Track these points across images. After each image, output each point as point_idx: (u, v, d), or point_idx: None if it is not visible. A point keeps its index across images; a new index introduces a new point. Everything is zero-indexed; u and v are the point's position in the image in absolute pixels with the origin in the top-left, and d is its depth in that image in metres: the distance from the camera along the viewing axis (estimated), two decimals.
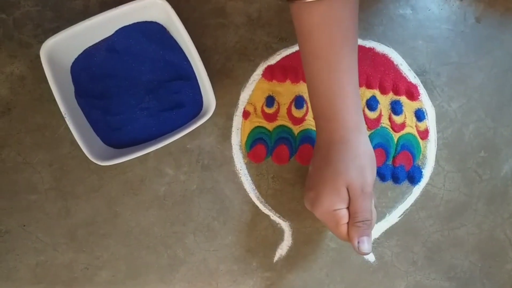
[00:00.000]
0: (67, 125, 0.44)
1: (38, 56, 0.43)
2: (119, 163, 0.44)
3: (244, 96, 0.50)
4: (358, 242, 0.39)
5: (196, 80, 0.47)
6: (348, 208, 0.40)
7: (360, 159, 0.40)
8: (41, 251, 0.48)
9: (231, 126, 0.50)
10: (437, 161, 0.51)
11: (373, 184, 0.40)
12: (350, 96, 0.40)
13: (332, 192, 0.40)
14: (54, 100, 0.44)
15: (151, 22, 0.47)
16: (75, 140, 0.44)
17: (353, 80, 0.40)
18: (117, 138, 0.47)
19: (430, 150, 0.51)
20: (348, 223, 0.40)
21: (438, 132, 0.51)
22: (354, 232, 0.39)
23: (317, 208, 0.41)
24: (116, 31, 0.46)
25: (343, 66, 0.39)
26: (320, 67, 0.39)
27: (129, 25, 0.46)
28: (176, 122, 0.47)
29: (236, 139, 0.50)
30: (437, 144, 0.51)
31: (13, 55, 0.49)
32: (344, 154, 0.40)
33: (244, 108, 0.50)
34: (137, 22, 0.46)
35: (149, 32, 0.46)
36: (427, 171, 0.51)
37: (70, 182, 0.48)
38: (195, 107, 0.47)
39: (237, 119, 0.50)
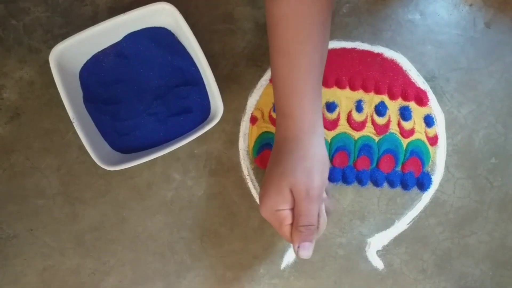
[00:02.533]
0: (75, 130, 0.44)
1: (47, 62, 0.44)
2: (127, 168, 0.44)
3: (252, 102, 0.50)
4: (299, 247, 0.38)
5: (204, 85, 0.47)
6: (293, 209, 0.38)
7: (308, 161, 0.38)
8: (48, 255, 0.48)
9: (238, 132, 0.50)
10: (446, 167, 0.50)
11: (323, 189, 0.38)
12: (307, 95, 0.38)
13: (276, 192, 0.38)
14: (63, 105, 0.44)
15: (160, 27, 0.47)
16: (83, 145, 0.44)
17: (313, 79, 0.39)
18: (125, 143, 0.47)
19: (439, 156, 0.50)
20: (292, 224, 0.38)
21: (447, 138, 0.50)
22: (296, 236, 0.38)
23: (262, 207, 0.39)
24: (125, 37, 0.46)
25: (304, 63, 0.38)
26: (281, 61, 0.38)
27: (138, 30, 0.46)
28: (183, 127, 0.47)
29: (244, 144, 0.50)
30: (447, 150, 0.50)
31: (23, 61, 0.49)
32: (293, 154, 0.38)
33: (252, 113, 0.50)
34: (146, 28, 0.46)
35: (158, 38, 0.46)
36: (437, 178, 0.50)
37: (78, 187, 0.48)
38: (203, 112, 0.47)
39: (245, 124, 0.50)
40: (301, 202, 0.38)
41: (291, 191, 0.38)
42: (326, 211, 0.40)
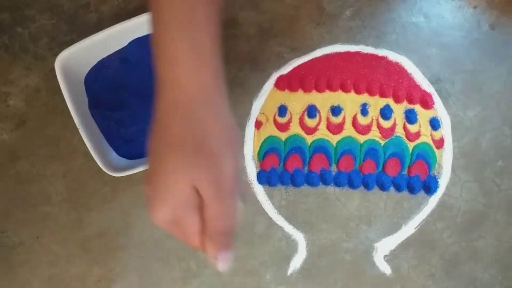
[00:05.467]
0: (80, 137, 0.44)
1: (53, 69, 0.44)
2: (132, 174, 0.44)
3: (257, 106, 0.50)
4: (217, 259, 0.28)
5: None
6: (200, 210, 0.28)
7: (211, 141, 0.27)
8: (54, 263, 0.48)
9: (243, 136, 0.50)
10: (453, 170, 0.50)
11: (237, 175, 0.28)
12: (169, 26, 0.28)
13: (172, 194, 0.27)
14: (68, 112, 0.44)
15: None
16: (88, 152, 0.44)
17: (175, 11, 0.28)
18: (130, 149, 0.47)
19: (446, 159, 0.50)
20: (202, 231, 0.28)
21: (454, 141, 0.50)
22: (211, 246, 0.28)
23: (153, 213, 0.28)
24: (130, 43, 0.47)
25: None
26: None
27: (142, 36, 0.46)
28: None
29: (249, 149, 0.50)
30: (453, 153, 0.50)
31: (29, 68, 0.49)
32: (188, 135, 0.26)
33: (257, 118, 0.50)
34: (150, 34, 0.46)
35: None
36: (443, 181, 0.50)
37: (84, 193, 0.48)
38: None
39: (250, 129, 0.50)
40: (211, 202, 0.27)
41: (195, 188, 0.27)
42: (242, 198, 0.29)
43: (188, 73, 0.27)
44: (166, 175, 0.27)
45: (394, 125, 0.50)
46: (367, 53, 0.51)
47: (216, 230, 0.28)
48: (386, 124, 0.50)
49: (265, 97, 0.50)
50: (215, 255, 0.28)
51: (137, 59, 0.47)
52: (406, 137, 0.50)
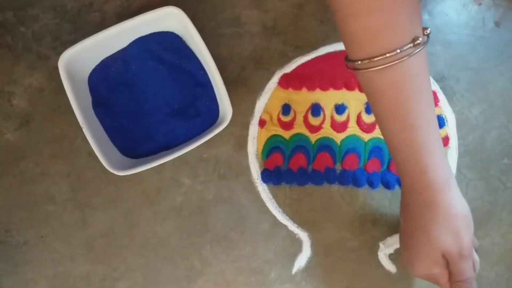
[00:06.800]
0: (84, 136, 0.44)
1: (56, 68, 0.44)
2: (136, 173, 0.44)
3: (260, 105, 0.50)
4: None
5: (213, 89, 0.47)
6: (447, 266, 0.39)
7: (453, 222, 0.37)
8: (58, 262, 0.48)
9: (247, 135, 0.50)
10: (458, 168, 0.50)
11: (472, 243, 0.39)
12: (435, 151, 0.37)
13: (427, 259, 0.39)
14: (72, 111, 0.44)
15: (167, 32, 0.47)
16: (92, 151, 0.44)
17: (435, 133, 0.37)
18: (134, 148, 0.47)
19: (451, 157, 0.50)
20: (450, 279, 0.39)
21: (459, 139, 0.50)
22: None
23: (414, 270, 0.40)
24: (133, 42, 0.46)
25: (423, 121, 0.36)
26: (398, 125, 0.36)
27: (146, 35, 0.46)
28: (192, 131, 0.46)
29: (253, 148, 0.49)
30: (459, 151, 0.50)
31: (32, 67, 0.49)
32: (437, 220, 0.37)
33: (260, 116, 0.50)
34: (154, 33, 0.46)
35: (166, 42, 0.46)
36: None
37: (88, 192, 0.48)
38: (212, 116, 0.47)
39: (253, 127, 0.50)
40: (455, 264, 0.38)
41: (443, 255, 0.38)
42: (475, 250, 0.41)
43: (443, 176, 0.38)
44: (425, 248, 0.39)
45: None
46: None
47: (460, 279, 0.38)
48: None
49: (268, 96, 0.50)
50: None
51: (141, 58, 0.46)
52: None
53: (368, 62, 0.34)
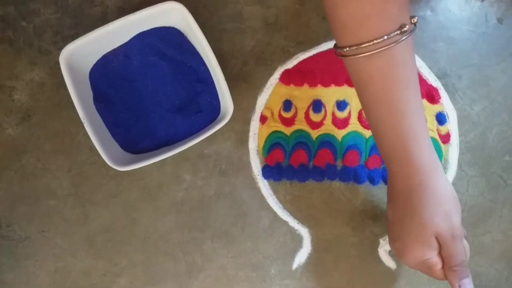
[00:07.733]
0: (85, 131, 0.44)
1: (58, 63, 0.44)
2: (137, 168, 0.44)
3: (261, 101, 0.50)
4: (460, 286, 0.38)
5: (214, 85, 0.47)
6: (440, 252, 0.39)
7: (443, 204, 0.38)
8: (60, 257, 0.48)
9: (248, 131, 0.49)
10: (459, 165, 0.49)
11: (461, 223, 0.39)
12: (422, 137, 0.37)
13: (420, 243, 0.38)
14: (73, 106, 0.44)
15: (169, 27, 0.47)
16: (93, 146, 0.44)
17: (422, 120, 0.37)
18: (135, 144, 0.47)
19: (452, 154, 0.49)
20: (443, 267, 0.39)
21: (460, 136, 0.50)
22: (453, 277, 0.38)
23: (406, 260, 0.40)
24: (134, 37, 0.46)
25: (410, 107, 0.36)
26: (385, 112, 0.37)
27: (147, 30, 0.46)
28: (193, 127, 0.46)
29: (254, 144, 0.49)
30: (460, 148, 0.50)
31: (33, 62, 0.49)
32: (426, 202, 0.38)
33: (261, 112, 0.50)
34: (155, 28, 0.46)
35: (167, 37, 0.46)
36: (450, 176, 0.49)
37: (89, 188, 0.48)
38: (213, 112, 0.47)
39: (254, 123, 0.50)
40: (448, 245, 0.38)
41: (436, 238, 0.38)
42: (464, 237, 0.41)
43: (428, 161, 0.38)
44: (417, 232, 0.38)
45: None
46: None
47: (454, 264, 0.38)
48: None
49: (270, 92, 0.50)
50: (458, 283, 0.38)
51: (142, 53, 0.46)
52: None
53: (356, 48, 0.34)
